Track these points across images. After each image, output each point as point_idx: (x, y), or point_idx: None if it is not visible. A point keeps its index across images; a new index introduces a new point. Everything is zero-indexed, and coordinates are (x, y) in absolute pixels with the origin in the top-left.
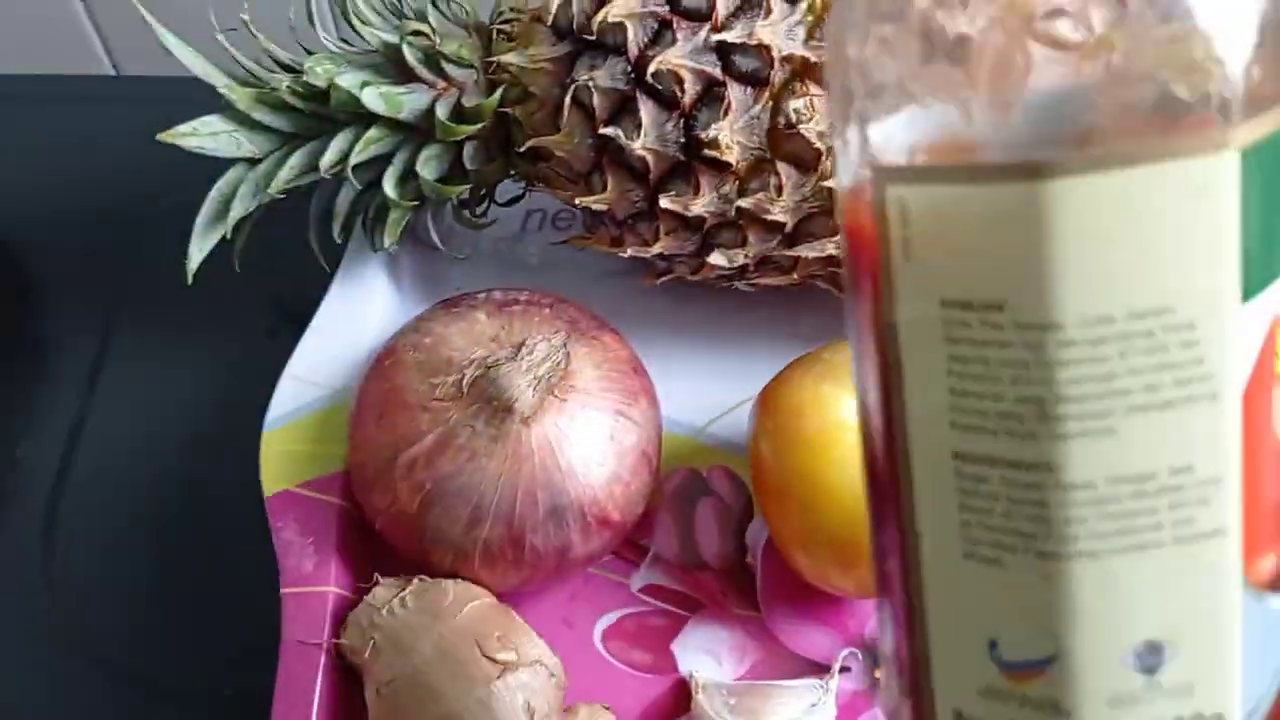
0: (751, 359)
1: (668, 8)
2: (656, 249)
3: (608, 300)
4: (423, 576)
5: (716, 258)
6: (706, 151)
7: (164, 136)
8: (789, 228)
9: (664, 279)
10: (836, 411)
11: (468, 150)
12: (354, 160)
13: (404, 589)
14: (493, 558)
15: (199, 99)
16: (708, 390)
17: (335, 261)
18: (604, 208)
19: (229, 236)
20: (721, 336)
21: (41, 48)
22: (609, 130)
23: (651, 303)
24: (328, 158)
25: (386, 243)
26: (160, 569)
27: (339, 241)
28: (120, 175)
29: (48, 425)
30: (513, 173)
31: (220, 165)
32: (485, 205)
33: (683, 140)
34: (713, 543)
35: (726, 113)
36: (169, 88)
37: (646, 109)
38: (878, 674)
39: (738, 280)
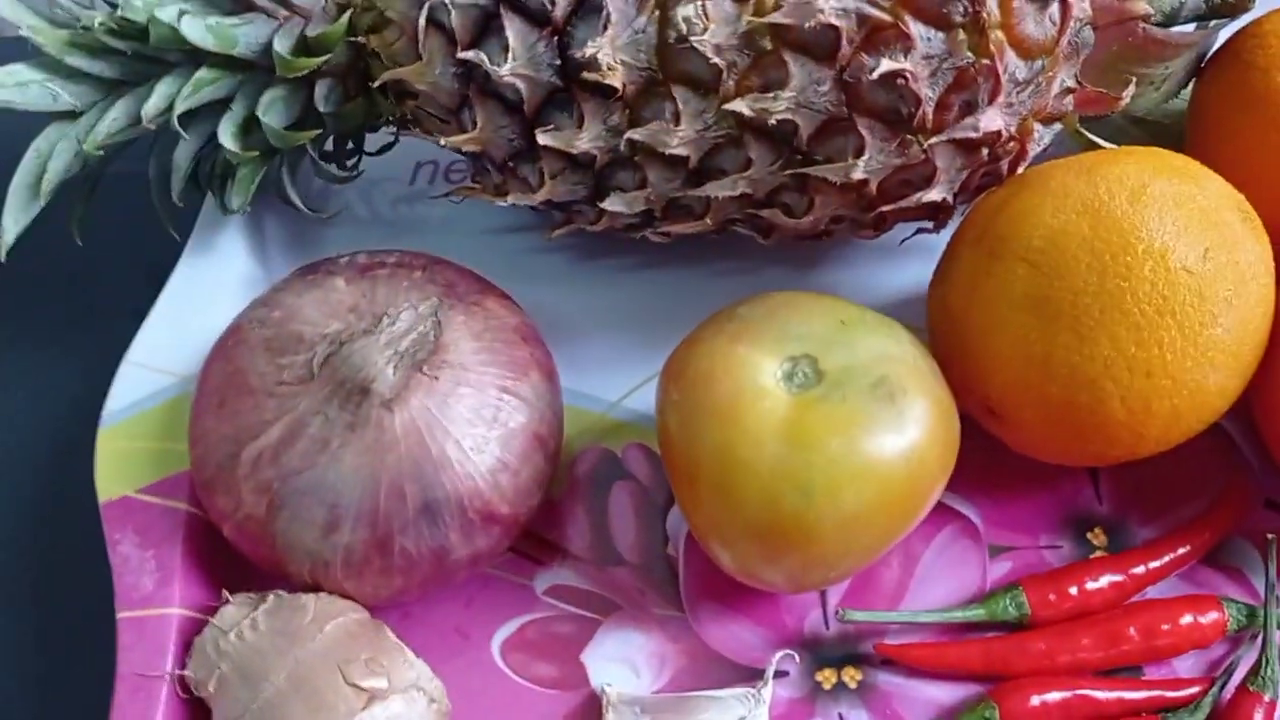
0: (668, 322)
1: None
2: (542, 195)
3: (506, 262)
4: (279, 592)
5: (614, 203)
6: (586, 74)
7: None
8: (693, 163)
9: (561, 231)
10: (752, 377)
11: (320, 90)
12: (181, 107)
13: (256, 608)
14: (357, 566)
15: None
16: (621, 359)
17: (189, 229)
18: (477, 149)
19: (45, 203)
20: (633, 297)
21: None
22: (471, 54)
23: (556, 263)
24: (151, 105)
25: (236, 204)
26: None
27: (180, 205)
28: None
29: None
30: (387, 118)
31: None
32: (356, 158)
33: (558, 62)
34: (629, 533)
35: (606, 27)
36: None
37: (513, 27)
38: (819, 676)
39: (646, 230)
